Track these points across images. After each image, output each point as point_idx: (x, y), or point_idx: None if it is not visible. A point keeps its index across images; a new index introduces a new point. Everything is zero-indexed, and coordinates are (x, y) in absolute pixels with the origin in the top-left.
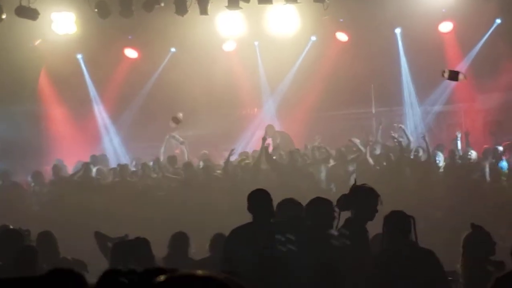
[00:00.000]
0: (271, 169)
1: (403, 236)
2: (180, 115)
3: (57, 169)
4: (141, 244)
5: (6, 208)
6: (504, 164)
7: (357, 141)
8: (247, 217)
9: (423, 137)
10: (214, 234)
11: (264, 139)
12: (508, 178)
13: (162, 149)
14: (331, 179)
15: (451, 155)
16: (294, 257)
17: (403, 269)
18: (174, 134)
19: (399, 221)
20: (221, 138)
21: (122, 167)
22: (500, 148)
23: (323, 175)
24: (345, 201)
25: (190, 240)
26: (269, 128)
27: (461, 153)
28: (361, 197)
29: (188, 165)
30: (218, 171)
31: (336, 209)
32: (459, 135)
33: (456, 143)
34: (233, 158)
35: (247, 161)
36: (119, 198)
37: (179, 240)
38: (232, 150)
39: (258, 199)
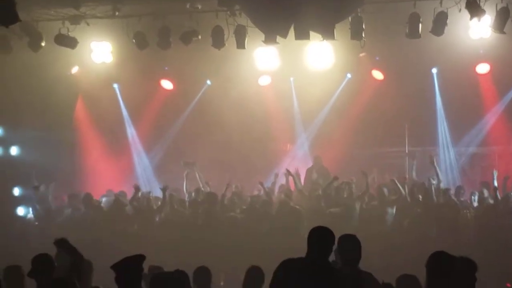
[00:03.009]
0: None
1: (446, 278)
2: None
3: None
4: (181, 277)
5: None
6: None
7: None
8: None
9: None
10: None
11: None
12: None
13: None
14: (367, 218)
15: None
16: None
17: None
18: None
19: (443, 263)
20: (254, 172)
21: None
22: None
23: (356, 213)
24: None
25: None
26: (317, 159)
27: (498, 194)
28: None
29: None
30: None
31: None
32: (495, 174)
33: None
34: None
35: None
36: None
37: (202, 275)
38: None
39: (316, 236)
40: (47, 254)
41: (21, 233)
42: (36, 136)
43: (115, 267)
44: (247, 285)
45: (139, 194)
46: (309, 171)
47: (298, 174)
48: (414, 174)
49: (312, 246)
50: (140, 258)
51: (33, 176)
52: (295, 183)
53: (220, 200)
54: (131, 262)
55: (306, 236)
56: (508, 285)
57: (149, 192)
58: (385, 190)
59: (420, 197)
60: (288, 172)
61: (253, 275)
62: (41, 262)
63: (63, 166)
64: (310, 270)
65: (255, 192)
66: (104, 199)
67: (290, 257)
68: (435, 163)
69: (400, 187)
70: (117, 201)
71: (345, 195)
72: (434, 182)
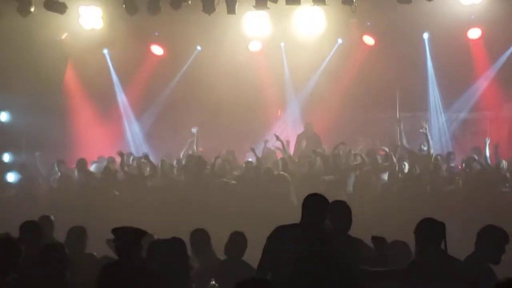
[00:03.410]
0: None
1: (436, 244)
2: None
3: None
4: (178, 244)
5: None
6: None
7: (386, 149)
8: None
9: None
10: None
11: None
12: None
13: (185, 149)
14: (360, 185)
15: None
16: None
17: (435, 279)
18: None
19: (433, 229)
20: (244, 138)
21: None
22: None
23: (351, 180)
24: None
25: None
26: (308, 126)
27: (489, 162)
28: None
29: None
30: (235, 173)
31: None
32: (487, 142)
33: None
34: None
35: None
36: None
37: (199, 238)
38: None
39: (310, 203)
40: (34, 221)
41: (11, 199)
42: (25, 102)
43: (114, 231)
44: (230, 250)
45: (131, 159)
46: (299, 137)
47: (287, 141)
48: (404, 141)
49: (306, 213)
50: (140, 233)
51: (23, 142)
52: (283, 149)
53: (210, 167)
54: (130, 234)
55: (294, 202)
56: None
57: (142, 158)
58: (378, 157)
59: (406, 164)
60: (277, 137)
61: (236, 241)
62: (28, 229)
63: (53, 132)
64: (304, 236)
65: (246, 158)
66: (94, 165)
67: (278, 223)
68: (427, 131)
69: (394, 159)
70: (108, 167)
71: (343, 161)
72: (425, 148)
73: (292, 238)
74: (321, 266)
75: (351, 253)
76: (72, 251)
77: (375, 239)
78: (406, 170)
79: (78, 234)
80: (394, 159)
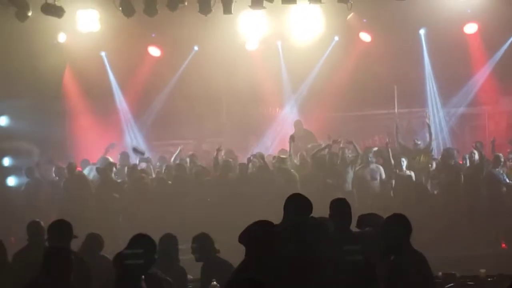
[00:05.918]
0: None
1: (405, 239)
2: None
3: (72, 167)
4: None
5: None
6: None
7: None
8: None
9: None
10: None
11: (292, 137)
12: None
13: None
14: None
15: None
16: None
17: (405, 271)
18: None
19: (403, 224)
20: (243, 137)
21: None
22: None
23: (349, 176)
24: None
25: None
26: (297, 123)
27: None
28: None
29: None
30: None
31: None
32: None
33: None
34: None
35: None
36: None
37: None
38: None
39: (290, 205)
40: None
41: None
42: (25, 106)
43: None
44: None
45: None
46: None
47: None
48: (399, 137)
49: (287, 213)
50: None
51: (23, 146)
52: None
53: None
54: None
55: None
56: (504, 245)
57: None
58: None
59: (404, 161)
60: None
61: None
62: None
63: (52, 135)
64: (286, 237)
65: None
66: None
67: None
68: (429, 121)
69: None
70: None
71: (338, 162)
72: (419, 143)
73: (275, 239)
74: (303, 267)
75: (354, 247)
76: (91, 257)
77: (358, 223)
78: (404, 166)
79: (95, 240)
80: (358, 149)
